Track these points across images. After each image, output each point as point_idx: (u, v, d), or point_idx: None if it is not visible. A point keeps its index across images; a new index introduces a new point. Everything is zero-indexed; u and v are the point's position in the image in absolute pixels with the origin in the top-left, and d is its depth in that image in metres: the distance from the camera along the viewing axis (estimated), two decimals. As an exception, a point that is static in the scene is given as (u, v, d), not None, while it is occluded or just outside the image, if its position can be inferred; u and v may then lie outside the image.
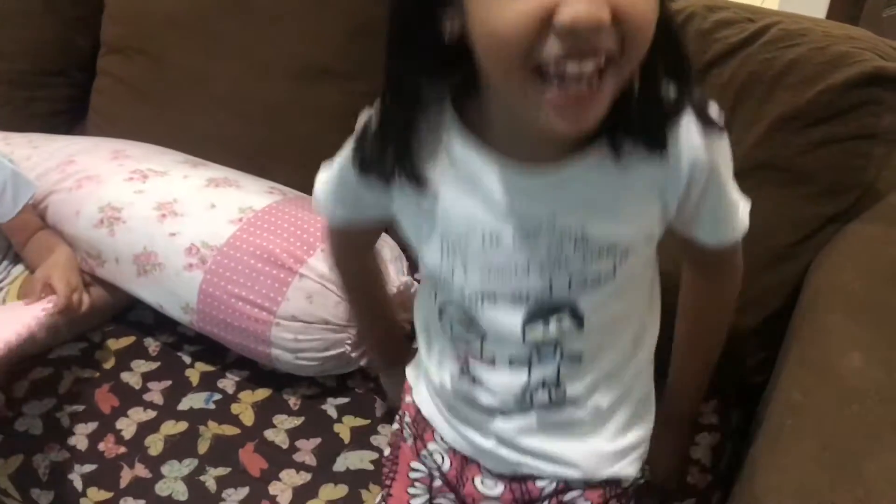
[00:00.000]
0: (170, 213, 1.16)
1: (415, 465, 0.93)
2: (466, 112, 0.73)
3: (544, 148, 0.70)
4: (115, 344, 1.24)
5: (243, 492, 1.05)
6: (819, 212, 1.03)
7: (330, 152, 1.32)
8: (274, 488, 1.05)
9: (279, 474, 1.07)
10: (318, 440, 1.11)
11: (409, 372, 0.95)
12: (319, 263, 1.10)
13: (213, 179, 1.22)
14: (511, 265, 0.75)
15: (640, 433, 0.87)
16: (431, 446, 0.91)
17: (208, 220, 1.15)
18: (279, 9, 1.29)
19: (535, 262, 0.74)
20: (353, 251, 0.95)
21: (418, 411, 0.92)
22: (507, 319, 0.77)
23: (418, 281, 1.16)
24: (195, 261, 1.12)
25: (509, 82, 0.63)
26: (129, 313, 1.29)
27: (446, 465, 0.90)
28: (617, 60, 0.61)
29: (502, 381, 0.81)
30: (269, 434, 1.11)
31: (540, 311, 0.77)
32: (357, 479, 1.06)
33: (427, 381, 0.90)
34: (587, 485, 0.85)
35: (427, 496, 0.92)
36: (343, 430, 1.12)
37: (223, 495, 1.04)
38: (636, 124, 0.69)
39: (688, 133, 0.71)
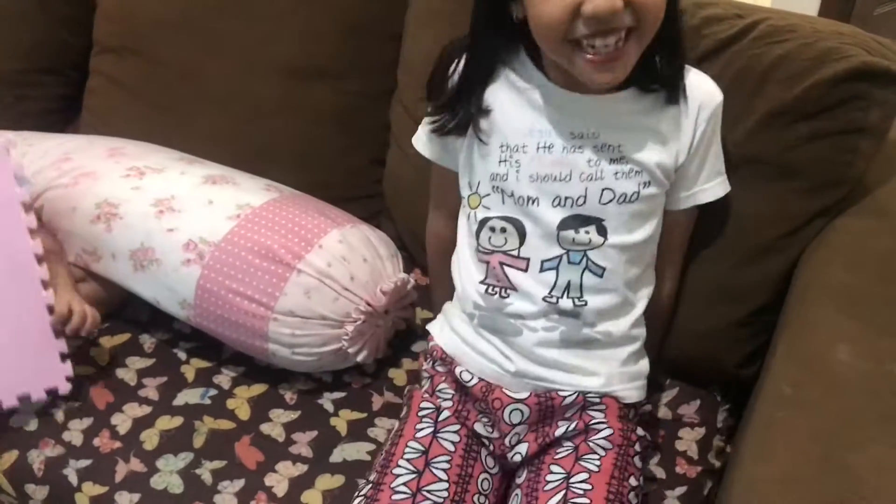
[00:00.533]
0: (167, 210, 1.16)
1: (424, 404, 1.01)
2: (534, 60, 0.96)
3: (591, 87, 0.91)
4: (109, 341, 1.24)
5: (239, 484, 1.05)
6: (807, 206, 1.04)
7: (323, 150, 1.34)
8: (270, 479, 1.06)
9: (275, 466, 1.07)
10: (315, 433, 1.11)
11: (432, 326, 1.08)
12: (317, 259, 1.11)
13: (211, 177, 1.22)
14: (556, 171, 0.94)
15: (642, 366, 1.02)
16: (458, 369, 1.01)
17: (206, 217, 1.15)
18: (273, 8, 1.30)
19: (577, 173, 0.93)
20: (447, 211, 1.09)
21: (443, 352, 1.03)
22: (546, 221, 0.94)
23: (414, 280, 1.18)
24: (193, 256, 1.13)
25: (555, 52, 0.88)
26: (124, 310, 1.29)
27: (473, 382, 0.99)
28: (635, 31, 0.84)
29: (533, 283, 0.96)
30: (265, 428, 1.12)
31: (573, 219, 0.94)
32: (354, 469, 1.06)
33: (456, 320, 1.03)
34: (605, 396, 0.97)
35: (433, 428, 0.99)
36: (339, 423, 1.13)
37: (219, 487, 1.05)
38: (658, 75, 0.92)
39: (699, 85, 0.96)
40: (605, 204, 0.94)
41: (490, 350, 0.99)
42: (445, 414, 1.00)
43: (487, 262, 0.98)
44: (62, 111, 1.54)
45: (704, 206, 1.01)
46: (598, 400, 0.97)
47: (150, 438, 1.11)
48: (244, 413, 1.14)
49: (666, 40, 0.90)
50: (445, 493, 0.92)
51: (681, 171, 0.96)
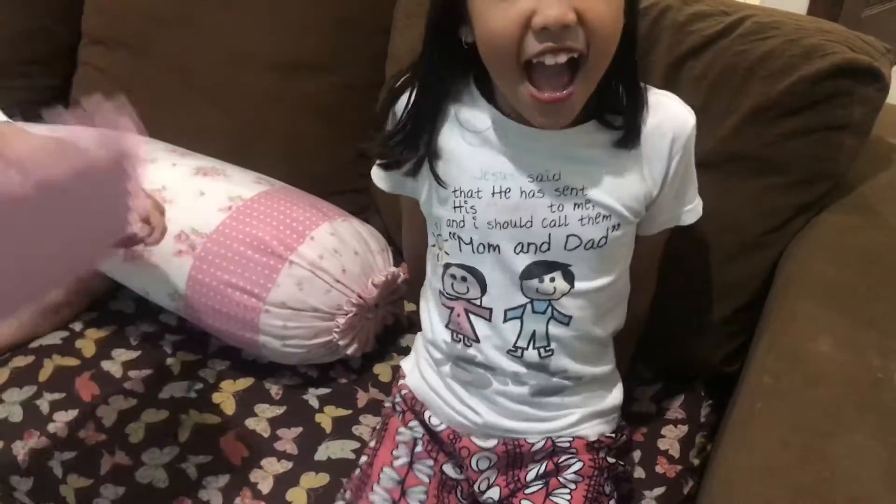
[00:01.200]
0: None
1: (402, 430, 1.00)
2: (484, 93, 0.89)
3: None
4: (95, 333, 1.24)
5: (224, 479, 1.05)
6: (791, 202, 1.05)
7: (311, 144, 1.34)
8: (255, 476, 1.06)
9: (260, 462, 1.07)
10: (300, 429, 1.11)
11: (405, 363, 1.05)
12: (309, 251, 1.11)
13: (202, 168, 1.22)
14: (516, 217, 0.87)
15: (614, 397, 0.99)
16: (426, 414, 0.99)
17: (198, 208, 1.15)
18: (261, 1, 1.30)
19: (538, 217, 0.87)
20: (418, 232, 1.03)
21: (413, 395, 1.01)
22: (508, 268, 0.89)
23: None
24: (184, 247, 1.13)
25: (504, 77, 0.81)
26: (110, 302, 1.29)
27: (441, 427, 0.98)
28: (584, 60, 0.77)
29: (496, 334, 0.92)
30: (251, 423, 1.12)
31: (537, 266, 0.88)
32: (339, 468, 1.07)
33: (423, 363, 1.00)
34: (574, 440, 0.94)
35: (408, 459, 0.98)
36: (325, 419, 1.13)
37: (203, 483, 1.05)
38: (613, 108, 0.86)
39: (670, 112, 0.88)
40: (571, 250, 0.88)
41: (456, 402, 0.96)
42: (420, 447, 0.99)
43: (451, 308, 0.94)
44: (48, 102, 1.53)
45: None
46: (567, 444, 0.94)
47: (135, 431, 1.11)
48: (230, 408, 1.14)
49: (623, 68, 0.84)
50: None
51: (654, 203, 0.91)
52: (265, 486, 1.05)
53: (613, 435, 0.98)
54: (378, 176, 0.99)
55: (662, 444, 1.09)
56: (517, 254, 0.88)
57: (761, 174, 1.04)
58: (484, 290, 0.91)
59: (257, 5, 1.30)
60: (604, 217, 0.87)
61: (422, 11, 1.21)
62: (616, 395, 0.99)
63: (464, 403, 0.96)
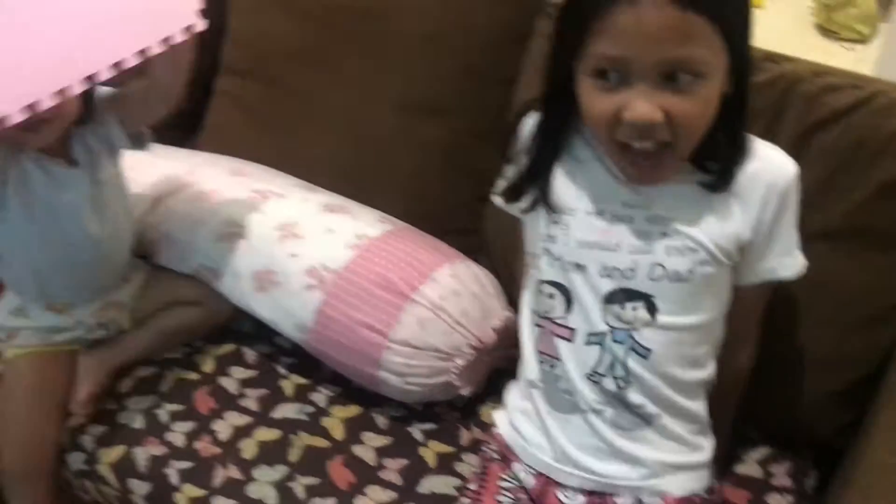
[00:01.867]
0: (291, 235, 1.21)
1: (504, 475, 1.01)
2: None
3: None
4: (215, 350, 1.30)
5: (330, 502, 1.09)
6: (917, 279, 1.04)
7: (432, 186, 1.39)
8: (360, 502, 1.09)
9: (365, 489, 1.11)
10: (405, 461, 1.15)
11: (497, 414, 1.08)
12: (432, 292, 1.14)
13: (329, 205, 1.28)
14: (605, 240, 0.92)
15: (704, 453, 0.97)
16: (516, 466, 1.00)
17: (327, 244, 1.20)
18: (396, 45, 1.35)
19: (625, 243, 0.91)
20: None
21: (506, 444, 1.02)
22: (593, 290, 0.92)
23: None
24: (315, 282, 1.17)
25: (603, 144, 0.90)
26: (229, 321, 1.34)
27: (529, 482, 0.99)
28: (671, 147, 0.84)
29: (577, 356, 0.94)
30: (358, 450, 1.16)
31: (620, 293, 0.92)
32: (440, 503, 1.09)
33: (514, 412, 1.03)
34: (662, 498, 0.93)
35: None
36: (428, 453, 1.16)
37: (311, 504, 1.09)
38: (712, 155, 0.90)
39: (768, 160, 0.91)
40: (655, 280, 0.90)
41: (543, 440, 0.98)
42: (523, 495, 1.00)
43: (541, 328, 0.98)
44: (182, 127, 1.61)
45: (813, 278, 0.99)
46: (654, 501, 0.94)
47: (248, 447, 1.16)
48: (338, 433, 1.18)
49: (729, 124, 0.88)
50: None
51: (747, 248, 0.92)
52: (370, 515, 1.08)
53: (705, 494, 0.97)
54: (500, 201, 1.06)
55: (765, 513, 1.09)
56: (602, 277, 0.92)
57: (887, 249, 1.04)
58: (569, 307, 0.94)
59: (390, 50, 1.36)
60: (690, 250, 0.90)
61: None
62: (707, 451, 0.97)
63: (548, 436, 0.97)
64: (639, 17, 0.79)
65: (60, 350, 1.23)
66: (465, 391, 1.17)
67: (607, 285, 0.92)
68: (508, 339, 1.21)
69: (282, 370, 1.27)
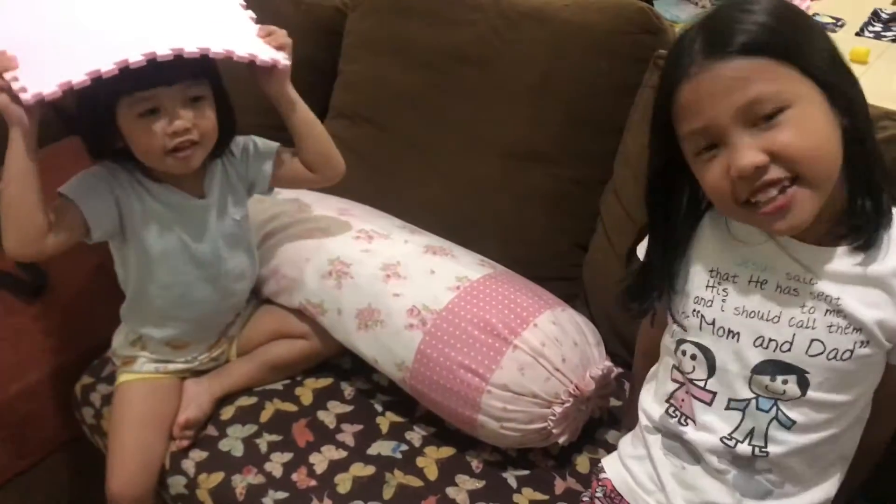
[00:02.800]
0: (394, 275, 1.24)
1: None
2: None
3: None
4: (314, 383, 1.33)
5: (422, 543, 1.09)
6: None
7: (533, 232, 1.40)
8: (450, 545, 1.09)
9: (457, 532, 1.11)
10: (498, 506, 1.14)
11: (606, 461, 1.06)
12: (532, 337, 1.15)
13: (431, 247, 1.30)
14: (765, 310, 0.89)
15: (828, 489, 0.94)
16: None
17: (428, 285, 1.22)
18: (505, 94, 1.38)
19: (787, 315, 0.88)
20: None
21: (615, 489, 1.00)
22: (743, 360, 0.90)
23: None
24: (416, 322, 1.19)
25: (734, 215, 0.89)
26: (332, 357, 1.37)
27: None
28: (799, 179, 0.81)
29: (714, 420, 0.92)
30: (451, 492, 1.16)
31: (772, 365, 0.89)
32: (534, 551, 1.08)
33: (629, 459, 1.01)
34: None
35: None
36: (522, 500, 1.15)
37: (403, 543, 1.09)
38: (850, 228, 0.87)
39: None
40: (812, 356, 0.87)
41: (650, 484, 0.97)
42: None
43: (678, 383, 0.97)
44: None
45: None
46: None
47: (343, 482, 1.17)
48: (432, 473, 1.18)
49: (858, 179, 0.85)
50: None
51: None
52: (461, 558, 1.07)
53: None
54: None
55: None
56: (755, 346, 0.89)
57: None
58: (712, 373, 0.92)
59: (500, 98, 1.38)
60: (854, 330, 0.86)
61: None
62: (826, 492, 0.93)
63: (660, 480, 0.96)
64: (698, 86, 0.82)
65: (171, 377, 1.28)
66: (562, 439, 1.16)
67: (759, 356, 0.89)
68: (606, 389, 1.21)
69: (378, 407, 1.29)
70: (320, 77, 1.64)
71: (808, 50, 0.83)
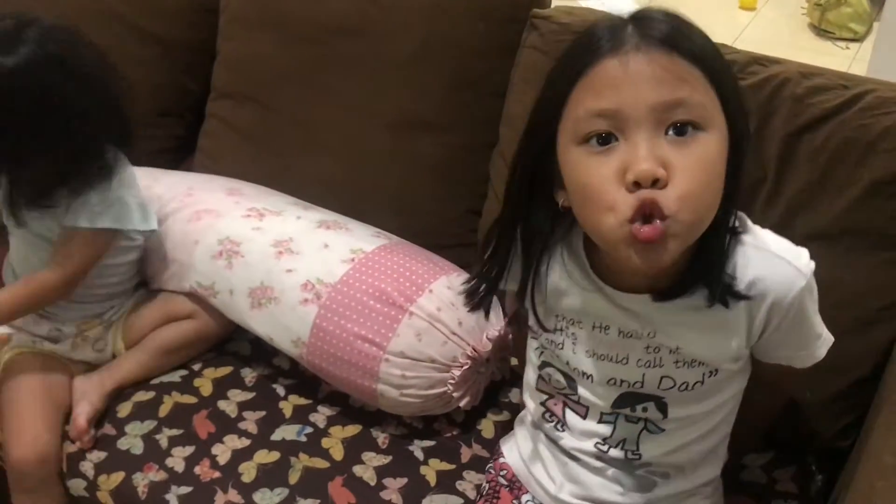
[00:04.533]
0: (286, 251, 1.21)
1: (525, 497, 1.00)
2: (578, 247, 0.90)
3: (640, 282, 0.84)
4: (213, 373, 1.30)
5: (331, 524, 1.09)
6: (912, 277, 1.03)
7: (425, 201, 1.39)
8: (361, 524, 1.08)
9: (367, 510, 1.10)
10: (405, 480, 1.14)
11: (504, 442, 1.07)
12: (428, 303, 1.14)
13: (324, 222, 1.28)
14: (613, 353, 0.88)
15: (712, 471, 0.95)
16: (524, 497, 0.99)
17: (322, 259, 1.20)
18: (383, 62, 1.36)
19: (634, 357, 0.88)
20: None
21: (513, 474, 1.02)
22: (600, 396, 0.90)
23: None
24: (310, 296, 1.17)
25: (599, 232, 0.79)
26: (227, 344, 1.34)
27: None
28: (673, 220, 0.74)
29: (588, 428, 0.93)
30: (358, 470, 1.15)
31: (630, 397, 0.89)
32: (442, 524, 1.08)
33: (522, 441, 1.01)
34: None
35: None
36: (429, 472, 1.15)
37: (312, 527, 1.08)
38: (702, 275, 0.82)
39: (772, 276, 0.83)
40: (665, 389, 0.88)
41: (546, 481, 0.98)
42: None
43: (548, 395, 0.96)
44: (177, 150, 1.63)
45: None
46: None
47: (248, 471, 1.15)
48: (338, 453, 1.17)
49: (708, 242, 0.80)
50: None
51: (758, 344, 0.88)
52: (371, 535, 1.07)
53: None
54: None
55: (771, 520, 1.08)
56: (609, 385, 0.90)
57: (880, 248, 1.03)
58: (577, 392, 0.92)
59: (377, 67, 1.36)
60: (700, 364, 0.87)
61: (537, 77, 1.26)
62: (714, 469, 0.96)
63: (553, 481, 0.97)
64: (627, 64, 0.74)
65: (55, 355, 1.27)
66: (463, 402, 1.16)
67: (614, 392, 0.90)
68: (504, 350, 1.22)
69: (280, 391, 1.27)
70: (200, 57, 1.59)
71: (730, 87, 0.78)
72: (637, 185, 0.73)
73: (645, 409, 0.89)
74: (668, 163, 0.73)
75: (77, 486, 1.19)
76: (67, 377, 1.26)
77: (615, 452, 0.92)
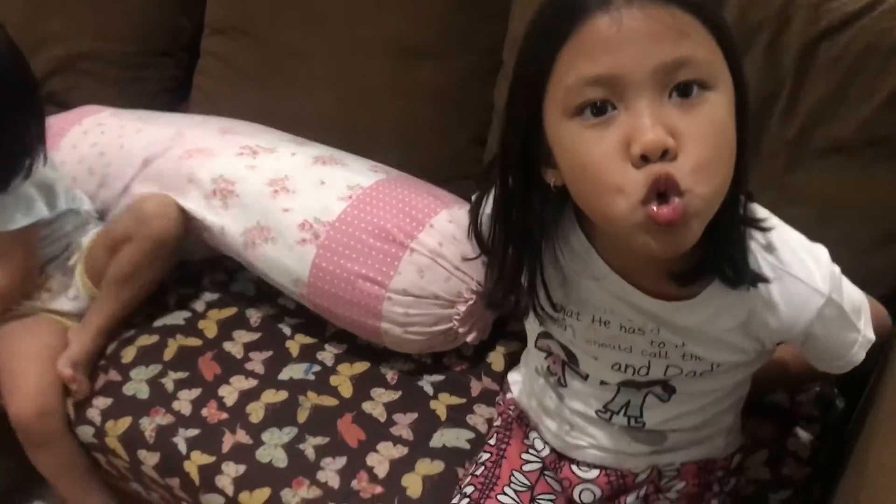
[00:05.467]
0: (282, 190, 1.17)
1: (533, 434, 0.97)
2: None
3: (647, 279, 0.76)
4: (217, 314, 1.28)
5: (341, 461, 1.07)
6: (937, 189, 0.98)
7: (425, 130, 1.34)
8: (371, 460, 1.07)
9: (376, 446, 1.08)
10: (415, 415, 1.12)
11: (512, 376, 1.03)
12: (429, 239, 1.11)
13: (320, 157, 1.23)
14: (615, 343, 0.82)
15: (726, 421, 0.90)
16: (532, 435, 0.97)
17: (319, 197, 1.16)
18: (381, -13, 1.30)
19: (638, 348, 0.81)
20: None
21: (521, 412, 1.00)
22: (605, 377, 0.85)
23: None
24: (308, 236, 1.14)
25: (606, 216, 0.68)
26: (231, 285, 1.32)
27: (545, 452, 0.95)
28: (689, 192, 0.64)
29: (588, 394, 0.88)
30: (367, 406, 1.13)
31: (635, 383, 0.84)
32: (454, 457, 1.06)
33: (525, 379, 0.98)
34: (682, 466, 0.90)
35: (541, 465, 0.96)
36: (439, 406, 1.13)
37: (321, 464, 1.07)
38: (714, 264, 0.73)
39: (788, 291, 0.74)
40: (672, 375, 0.82)
41: (550, 423, 0.93)
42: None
43: (550, 354, 0.91)
44: (173, 91, 1.59)
45: (826, 195, 0.95)
46: (674, 473, 0.91)
47: (255, 411, 1.13)
48: (347, 391, 1.15)
49: (721, 226, 0.70)
50: None
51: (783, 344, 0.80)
52: (381, 471, 1.05)
53: (729, 457, 0.93)
54: None
55: (792, 445, 1.04)
56: (614, 370, 0.84)
57: (905, 159, 0.98)
58: (579, 365, 0.87)
59: (375, -7, 1.31)
60: (709, 361, 0.81)
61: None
62: (730, 418, 0.91)
63: (559, 427, 0.93)
64: (621, 22, 0.64)
65: (41, 313, 1.26)
66: (470, 338, 1.13)
67: (619, 377, 0.84)
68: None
69: (287, 331, 1.25)
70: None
71: (731, 36, 0.68)
72: (645, 158, 0.63)
73: (652, 391, 0.85)
74: (676, 130, 0.64)
75: (85, 433, 1.19)
76: (60, 329, 1.25)
77: (618, 419, 0.87)
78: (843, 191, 0.92)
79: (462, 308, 1.10)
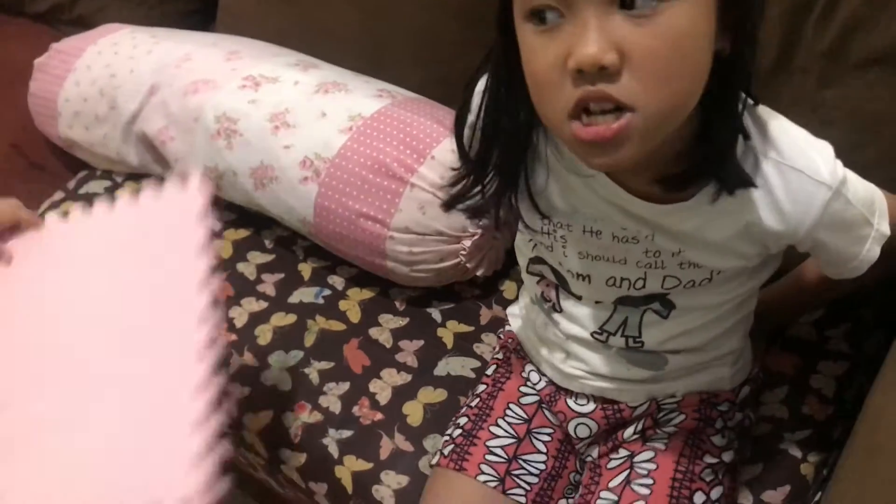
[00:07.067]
0: (282, 125, 1.13)
1: (529, 367, 0.95)
2: None
3: (636, 181, 0.71)
4: (233, 234, 1.26)
5: (344, 386, 1.06)
6: None
7: (447, 47, 1.28)
8: (374, 386, 1.05)
9: (380, 373, 1.06)
10: (421, 342, 1.09)
11: (512, 309, 0.99)
12: (430, 172, 1.06)
13: (323, 84, 1.18)
14: (609, 255, 0.78)
15: (731, 344, 0.85)
16: (528, 367, 0.94)
17: (319, 130, 1.12)
18: None
19: (633, 259, 0.77)
20: None
21: (518, 345, 0.97)
22: (600, 296, 0.81)
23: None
24: (309, 174, 1.10)
25: (552, 122, 0.65)
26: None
27: (541, 385, 0.93)
28: (637, 110, 0.59)
29: (583, 314, 0.84)
30: (374, 332, 1.11)
31: (631, 299, 0.80)
32: (457, 385, 1.04)
33: (523, 311, 0.95)
34: (683, 398, 0.86)
35: (538, 399, 0.93)
36: (446, 334, 1.10)
37: (324, 388, 1.06)
38: (707, 168, 0.68)
39: (791, 187, 0.68)
40: (669, 287, 0.78)
41: (547, 354, 0.90)
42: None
43: (541, 278, 0.86)
44: (200, 12, 1.56)
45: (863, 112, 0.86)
46: (674, 405, 0.86)
47: (263, 334, 1.13)
48: (355, 316, 1.13)
49: (718, 108, 0.65)
50: (543, 466, 0.89)
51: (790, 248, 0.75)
52: (383, 398, 1.04)
53: (736, 388, 0.88)
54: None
55: (815, 382, 0.98)
56: (609, 286, 0.79)
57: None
58: (571, 289, 0.83)
59: None
60: (707, 267, 0.76)
61: None
62: (735, 342, 0.86)
63: (555, 356, 0.89)
64: None
65: None
66: (480, 271, 1.09)
67: (615, 294, 0.80)
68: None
69: (299, 253, 1.23)
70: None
71: None
72: (581, 73, 0.58)
73: (650, 307, 0.80)
74: (625, 44, 0.58)
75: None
76: None
77: (615, 340, 0.83)
78: (882, 108, 0.82)
79: (468, 243, 1.06)
